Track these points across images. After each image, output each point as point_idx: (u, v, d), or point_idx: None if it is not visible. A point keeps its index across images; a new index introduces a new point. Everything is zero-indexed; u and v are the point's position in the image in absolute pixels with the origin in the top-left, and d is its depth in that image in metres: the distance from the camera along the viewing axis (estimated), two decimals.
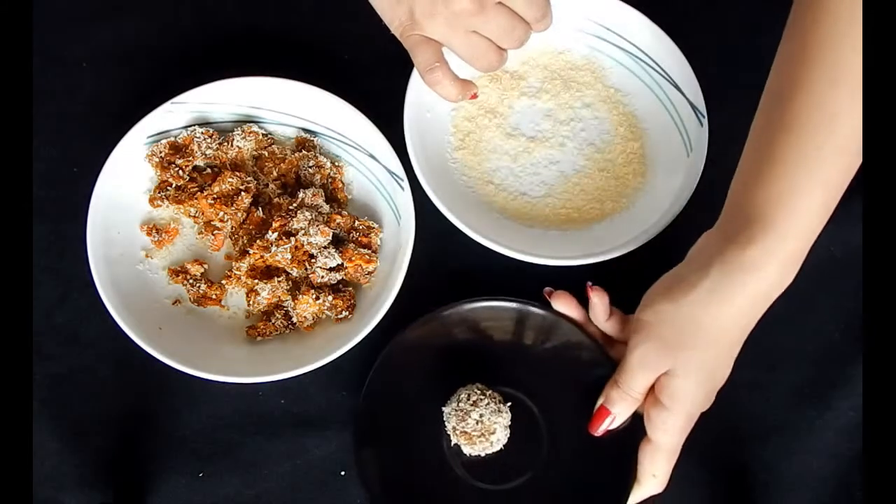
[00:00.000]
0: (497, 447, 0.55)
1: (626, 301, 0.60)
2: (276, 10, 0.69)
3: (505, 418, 0.55)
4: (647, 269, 0.62)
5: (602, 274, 0.60)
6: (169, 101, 0.60)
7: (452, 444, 0.56)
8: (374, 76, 0.67)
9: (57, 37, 0.68)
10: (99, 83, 0.67)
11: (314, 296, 0.58)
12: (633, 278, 0.62)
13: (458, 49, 0.53)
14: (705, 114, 0.62)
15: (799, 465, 0.60)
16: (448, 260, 0.61)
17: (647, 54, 0.65)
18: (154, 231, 0.60)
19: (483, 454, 0.55)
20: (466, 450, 0.55)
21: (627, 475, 0.54)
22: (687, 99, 0.63)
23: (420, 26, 0.52)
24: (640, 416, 0.55)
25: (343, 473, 0.59)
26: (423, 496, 0.56)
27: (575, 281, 0.60)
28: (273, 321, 0.59)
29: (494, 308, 0.59)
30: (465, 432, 0.54)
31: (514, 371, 0.58)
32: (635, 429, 0.55)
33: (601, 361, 0.57)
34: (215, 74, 0.61)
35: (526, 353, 0.59)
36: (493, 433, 0.54)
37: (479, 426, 0.54)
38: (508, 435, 0.55)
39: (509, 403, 0.56)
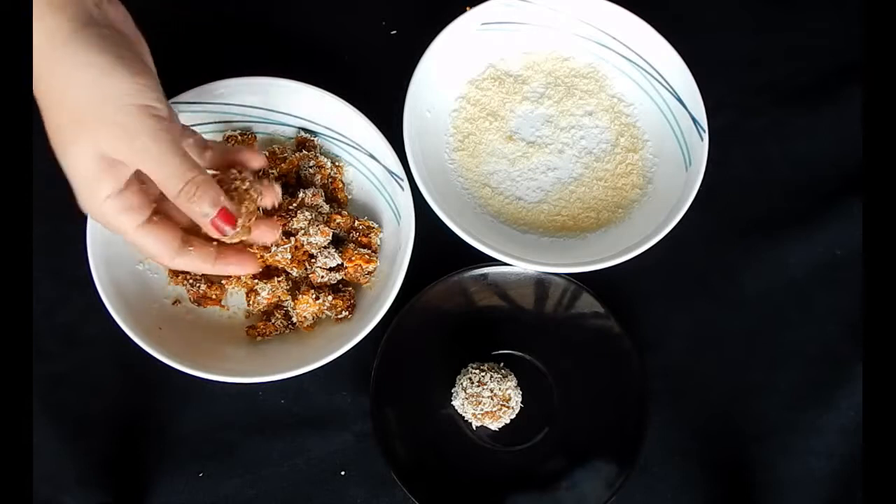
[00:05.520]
0: (518, 410, 0.57)
1: (616, 311, 0.60)
2: (277, 10, 0.69)
3: (512, 380, 0.57)
4: (640, 278, 0.63)
5: (593, 283, 0.60)
6: (169, 102, 0.60)
7: (476, 427, 0.58)
8: (374, 76, 0.67)
9: None
10: None
11: (314, 296, 0.58)
12: (625, 288, 0.63)
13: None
14: (706, 128, 0.61)
15: (799, 465, 0.60)
16: (448, 260, 0.61)
17: (650, 64, 0.65)
18: None
19: (509, 421, 0.57)
20: (493, 426, 0.57)
21: (636, 424, 0.57)
22: (689, 112, 0.63)
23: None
24: (646, 382, 0.55)
25: (343, 473, 0.59)
26: (444, 463, 0.58)
27: (564, 288, 0.60)
28: (273, 321, 0.59)
29: (502, 274, 0.60)
30: (487, 412, 0.56)
31: (516, 334, 0.61)
32: (642, 374, 0.58)
33: (597, 313, 0.60)
34: (215, 74, 0.61)
35: (525, 316, 0.61)
36: (509, 399, 0.56)
37: (495, 399, 0.56)
38: (521, 393, 0.58)
39: (503, 366, 0.58)
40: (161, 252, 0.49)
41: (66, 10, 0.43)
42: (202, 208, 0.47)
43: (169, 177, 0.45)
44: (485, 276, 0.60)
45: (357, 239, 0.60)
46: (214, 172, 0.51)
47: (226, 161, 0.53)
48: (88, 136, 0.44)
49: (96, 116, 0.43)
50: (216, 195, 0.47)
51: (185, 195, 0.46)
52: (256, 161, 0.53)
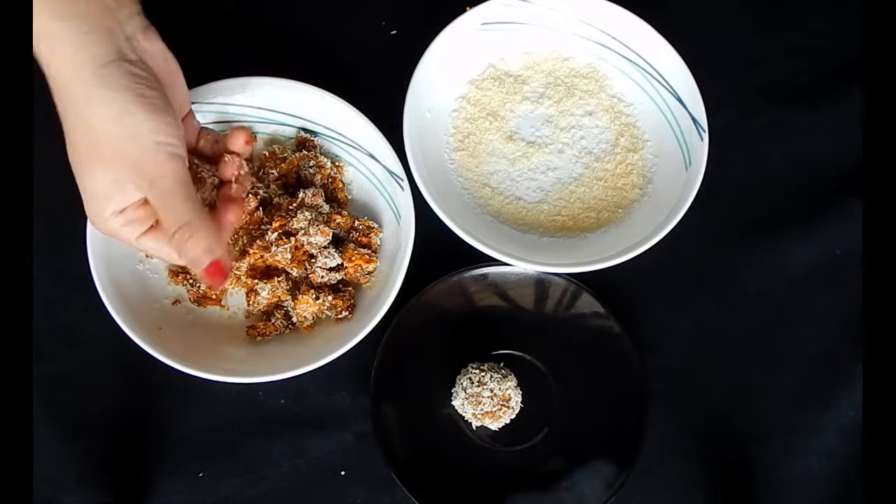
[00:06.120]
0: (518, 410, 0.57)
1: (616, 311, 0.60)
2: (277, 10, 0.69)
3: (512, 380, 0.57)
4: (640, 279, 0.63)
5: (593, 283, 0.60)
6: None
7: (476, 427, 0.58)
8: (374, 76, 0.67)
9: None
10: None
11: (314, 296, 0.58)
12: (625, 288, 0.63)
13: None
14: (706, 128, 0.61)
15: (799, 465, 0.60)
16: (448, 260, 0.61)
17: (650, 64, 0.65)
18: None
19: (509, 421, 0.57)
20: (493, 426, 0.57)
21: (636, 424, 0.57)
22: (689, 112, 0.63)
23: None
24: (646, 382, 0.55)
25: (343, 473, 0.59)
26: (444, 463, 0.58)
27: (564, 288, 0.60)
28: (273, 321, 0.59)
29: (502, 274, 0.60)
30: (487, 412, 0.56)
31: (516, 334, 0.61)
32: (642, 374, 0.58)
33: (597, 313, 0.60)
34: (215, 74, 0.61)
35: (525, 316, 0.61)
36: (509, 399, 0.56)
37: (495, 399, 0.56)
38: (521, 393, 0.58)
39: (502, 366, 0.58)
40: (166, 255, 0.50)
41: (95, 48, 0.44)
42: (194, 253, 0.48)
43: (170, 217, 0.47)
44: (485, 276, 0.60)
45: (357, 239, 0.60)
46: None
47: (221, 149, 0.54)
48: (103, 163, 0.46)
49: (113, 150, 0.45)
50: (210, 245, 0.48)
51: (179, 237, 0.47)
52: (238, 141, 0.53)
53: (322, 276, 0.58)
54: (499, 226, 0.63)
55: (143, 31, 0.47)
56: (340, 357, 0.55)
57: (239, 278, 0.59)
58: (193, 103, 0.61)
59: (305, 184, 0.62)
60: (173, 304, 0.60)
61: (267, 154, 0.63)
